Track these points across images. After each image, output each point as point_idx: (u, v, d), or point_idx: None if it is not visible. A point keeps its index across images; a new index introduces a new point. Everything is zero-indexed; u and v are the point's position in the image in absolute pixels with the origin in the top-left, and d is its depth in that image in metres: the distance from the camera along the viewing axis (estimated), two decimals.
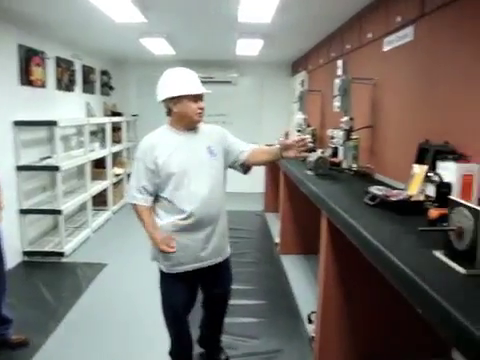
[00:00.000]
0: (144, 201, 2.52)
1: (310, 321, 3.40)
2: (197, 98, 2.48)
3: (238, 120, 8.57)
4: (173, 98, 2.46)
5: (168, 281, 2.63)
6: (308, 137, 2.60)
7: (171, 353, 2.85)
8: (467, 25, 2.50)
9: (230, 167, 2.75)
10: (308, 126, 5.85)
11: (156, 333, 3.19)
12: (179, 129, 2.54)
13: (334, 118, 4.49)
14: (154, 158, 2.46)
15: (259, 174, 7.22)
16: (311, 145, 2.61)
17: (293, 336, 3.35)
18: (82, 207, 6.29)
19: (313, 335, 3.12)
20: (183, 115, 2.49)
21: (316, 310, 3.05)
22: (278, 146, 2.60)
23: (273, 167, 6.23)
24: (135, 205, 2.55)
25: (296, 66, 8.01)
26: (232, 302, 3.80)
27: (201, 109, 2.51)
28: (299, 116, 5.87)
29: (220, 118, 8.40)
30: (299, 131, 5.83)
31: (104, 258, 4.96)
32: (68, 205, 5.22)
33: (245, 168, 2.76)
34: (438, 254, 1.70)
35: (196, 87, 2.48)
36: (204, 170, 2.52)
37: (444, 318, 1.27)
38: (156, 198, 2.56)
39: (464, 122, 2.51)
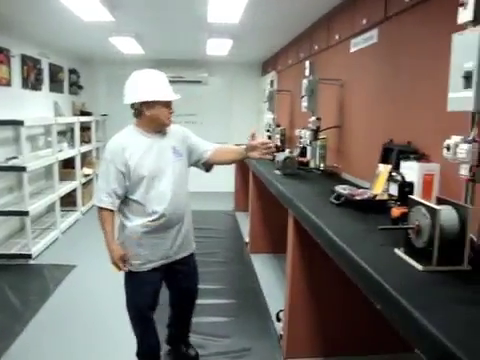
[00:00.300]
0: (111, 205, 2.50)
1: (278, 319, 3.43)
2: (168, 103, 2.51)
3: (208, 120, 8.57)
4: (147, 102, 2.45)
5: (134, 280, 2.62)
6: (272, 142, 2.70)
7: (138, 354, 2.82)
8: (426, 29, 2.57)
9: (193, 165, 2.78)
10: (277, 126, 5.89)
11: (124, 335, 3.16)
12: (148, 131, 2.54)
13: (303, 118, 4.53)
14: (125, 160, 2.45)
15: (229, 174, 7.25)
16: (274, 149, 2.68)
17: (262, 334, 3.37)
18: (50, 208, 6.20)
19: (281, 333, 3.15)
20: (155, 119, 2.50)
21: (284, 308, 3.08)
22: (244, 146, 2.66)
23: (243, 167, 6.26)
24: (101, 209, 2.52)
25: (266, 66, 8.06)
26: (201, 301, 3.81)
27: (171, 114, 2.54)
28: (268, 116, 5.91)
29: (190, 118, 8.38)
30: (268, 131, 5.88)
31: (73, 259, 4.89)
32: (35, 206, 5.13)
33: (207, 166, 2.80)
34: (398, 252, 1.74)
35: (169, 93, 2.51)
36: (171, 170, 2.55)
37: (400, 313, 1.31)
38: (123, 201, 2.55)
39: (425, 123, 2.57)
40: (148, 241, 2.54)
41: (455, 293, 1.39)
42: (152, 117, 2.49)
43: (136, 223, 2.52)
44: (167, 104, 2.50)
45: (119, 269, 2.57)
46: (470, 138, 1.60)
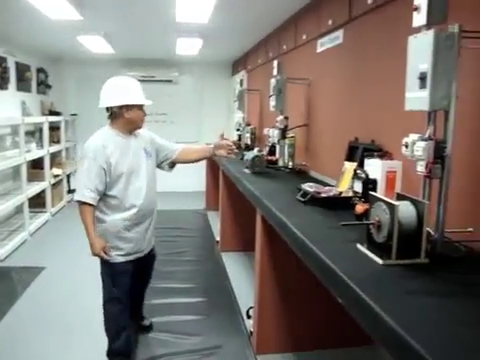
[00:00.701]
0: (92, 200, 2.65)
1: (249, 316, 3.47)
2: (141, 107, 2.78)
3: (179, 119, 8.56)
4: (127, 105, 2.69)
5: (112, 271, 2.79)
6: (233, 147, 3.04)
7: (109, 353, 2.89)
8: (387, 31, 2.64)
9: (158, 167, 3.04)
10: (248, 125, 5.94)
11: (93, 336, 3.17)
12: (123, 132, 2.76)
13: (272, 117, 4.58)
14: (106, 158, 2.65)
15: (200, 173, 7.27)
16: (236, 151, 3.03)
17: (233, 332, 3.40)
18: (18, 209, 6.09)
19: (252, 329, 3.19)
20: (132, 121, 2.75)
21: (254, 305, 3.12)
22: (212, 145, 2.98)
23: (213, 166, 6.29)
24: (83, 204, 2.65)
25: (236, 66, 8.10)
26: (172, 300, 3.87)
27: (144, 116, 2.82)
28: (238, 115, 5.94)
29: (161, 117, 8.37)
30: (238, 130, 5.91)
31: (42, 261, 4.82)
32: (2, 208, 5.06)
33: (171, 165, 3.08)
34: (360, 247, 1.80)
35: (143, 98, 2.77)
36: (144, 168, 2.81)
37: (359, 306, 1.36)
38: (102, 197, 2.72)
39: (387, 121, 2.64)
40: (126, 234, 2.77)
41: (412, 285, 1.45)
42: (131, 119, 2.73)
43: (115, 217, 2.73)
44: (141, 107, 2.77)
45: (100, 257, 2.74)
46: (426, 136, 1.66)
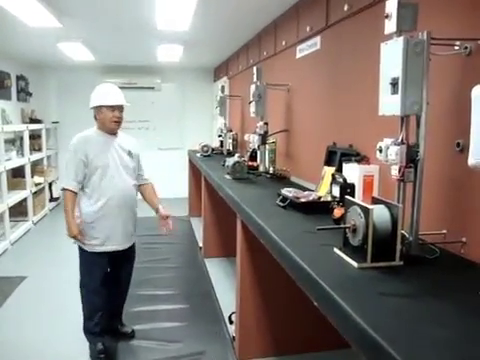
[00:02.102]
0: (74, 188, 2.96)
1: (231, 322, 3.47)
2: (114, 109, 2.97)
3: (161, 126, 8.56)
4: (96, 107, 2.99)
5: (87, 261, 3.05)
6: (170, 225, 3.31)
7: (84, 330, 3.14)
8: (362, 38, 2.69)
9: None
10: (229, 131, 5.96)
11: (77, 346, 3.15)
12: (104, 132, 3.04)
13: (253, 123, 4.60)
14: (85, 151, 2.94)
15: (183, 179, 7.27)
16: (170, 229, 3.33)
17: (215, 337, 3.40)
18: None
19: (234, 335, 3.20)
20: (103, 121, 3.01)
21: (235, 311, 3.13)
22: (160, 207, 3.29)
23: (195, 172, 6.30)
24: (67, 190, 2.96)
25: (218, 72, 8.13)
26: (154, 308, 3.86)
27: (118, 118, 3.01)
28: (220, 121, 5.96)
29: (143, 124, 8.36)
30: (220, 136, 5.93)
31: (23, 271, 4.77)
32: None
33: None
34: (337, 251, 1.82)
35: (114, 99, 2.98)
36: (123, 167, 3.05)
37: (334, 309, 1.38)
38: (81, 188, 3.01)
39: (364, 126, 2.68)
40: (101, 224, 2.99)
41: (386, 287, 1.48)
42: (101, 120, 3.01)
43: (89, 208, 2.99)
44: (112, 109, 2.97)
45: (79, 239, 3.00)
46: (399, 140, 1.69)
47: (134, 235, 3.25)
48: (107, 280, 3.15)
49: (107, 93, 3.00)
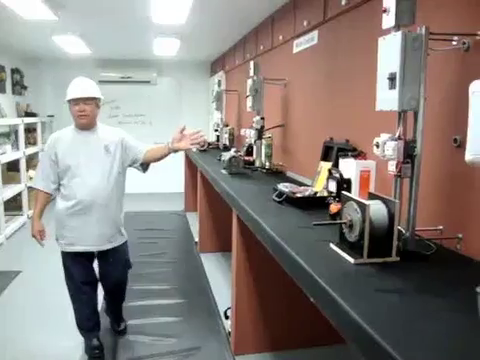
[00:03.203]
0: (44, 187, 2.94)
1: (226, 317, 3.47)
2: (78, 102, 2.84)
3: (157, 120, 8.52)
4: (67, 102, 2.89)
5: (65, 260, 3.02)
6: (201, 131, 3.09)
7: (77, 324, 3.10)
8: (360, 32, 2.67)
9: (131, 166, 3.10)
10: (226, 125, 5.94)
11: (72, 340, 3.14)
12: (78, 127, 2.95)
13: (249, 118, 4.59)
14: (55, 150, 2.89)
15: (179, 174, 7.25)
16: (203, 139, 3.16)
17: (211, 333, 3.39)
18: None
19: (230, 330, 3.20)
20: (72, 116, 2.92)
21: (231, 306, 3.13)
22: (167, 145, 3.03)
23: (191, 166, 6.29)
24: (36, 189, 2.97)
25: (214, 66, 8.10)
26: (150, 302, 3.85)
27: (81, 111, 2.84)
28: (216, 116, 5.95)
29: (139, 118, 8.33)
30: (216, 130, 5.92)
31: (18, 265, 4.76)
32: None
33: (144, 167, 3.14)
34: (333, 246, 1.81)
35: (73, 92, 2.85)
36: (97, 164, 2.91)
37: (330, 305, 1.37)
38: (57, 187, 2.97)
39: (361, 121, 2.67)
40: (70, 224, 2.92)
41: (382, 283, 1.47)
42: (71, 115, 2.91)
43: (61, 207, 2.94)
44: (76, 103, 2.84)
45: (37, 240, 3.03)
46: (396, 136, 1.69)
47: (117, 236, 3.07)
48: (102, 280, 3.18)
49: (71, 87, 2.87)
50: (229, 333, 3.23)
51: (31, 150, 7.06)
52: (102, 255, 3.06)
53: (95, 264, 3.14)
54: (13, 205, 6.40)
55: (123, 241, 3.12)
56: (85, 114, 2.85)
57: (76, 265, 2.99)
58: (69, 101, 2.86)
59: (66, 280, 3.05)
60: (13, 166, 6.52)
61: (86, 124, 2.91)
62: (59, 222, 2.98)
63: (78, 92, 2.83)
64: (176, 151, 3.05)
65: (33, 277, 4.50)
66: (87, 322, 3.07)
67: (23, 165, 6.58)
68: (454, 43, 1.78)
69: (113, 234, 3.03)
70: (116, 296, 3.34)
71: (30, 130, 7.29)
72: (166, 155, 3.08)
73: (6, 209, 5.84)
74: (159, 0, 3.79)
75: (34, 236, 3.00)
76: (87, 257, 3.02)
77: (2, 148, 5.98)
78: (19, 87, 7.55)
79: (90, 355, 3.03)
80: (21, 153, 6.51)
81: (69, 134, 2.96)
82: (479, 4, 1.73)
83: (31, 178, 6.87)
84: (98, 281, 3.14)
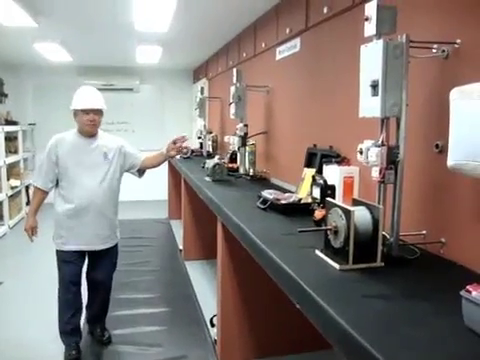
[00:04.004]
0: (42, 185, 3.09)
1: (212, 325, 3.46)
2: (89, 112, 3.02)
3: (140, 128, 8.48)
4: (74, 111, 3.06)
5: (59, 258, 3.12)
6: (186, 134, 3.27)
7: (59, 328, 3.15)
8: (342, 40, 2.70)
9: (127, 171, 3.31)
10: (209, 132, 5.94)
11: (52, 350, 3.09)
12: (81, 134, 3.11)
13: (233, 125, 4.60)
14: (56, 152, 3.05)
15: (162, 181, 7.22)
16: (188, 144, 3.34)
17: (197, 341, 3.38)
18: None
19: (216, 338, 3.18)
20: (79, 124, 3.09)
21: (217, 313, 3.12)
22: (164, 149, 3.26)
23: (175, 175, 6.28)
24: (35, 187, 3.13)
25: (197, 73, 8.11)
26: (134, 312, 3.82)
27: (91, 121, 3.04)
28: (200, 123, 5.95)
29: (122, 126, 8.28)
30: (199, 138, 5.91)
31: None
32: None
33: (140, 173, 3.37)
34: (318, 253, 1.82)
35: (88, 103, 3.02)
36: (96, 169, 3.09)
37: (316, 311, 1.38)
38: (56, 188, 3.12)
39: (344, 128, 2.69)
40: (67, 224, 3.06)
41: (367, 289, 1.48)
42: (78, 123, 3.09)
43: (59, 207, 3.08)
44: (87, 112, 3.02)
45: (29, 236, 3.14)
46: (379, 142, 1.71)
47: (111, 238, 3.22)
48: (89, 283, 3.32)
49: (83, 97, 3.06)
50: (215, 341, 3.21)
51: (12, 159, 6.96)
52: (94, 254, 3.18)
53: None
54: None
55: (115, 242, 3.27)
56: (94, 124, 3.07)
57: (68, 265, 3.09)
58: (76, 110, 3.03)
59: (58, 278, 3.14)
60: None
61: (92, 132, 3.11)
62: (57, 223, 3.11)
63: (92, 103, 3.04)
64: (172, 157, 3.40)
65: (14, 288, 4.41)
66: (65, 325, 3.12)
67: (4, 174, 6.49)
68: (434, 51, 1.81)
69: (108, 235, 3.19)
70: (102, 297, 3.35)
71: (11, 138, 7.20)
72: (162, 162, 3.36)
73: None
74: (142, 7, 3.79)
75: (26, 230, 3.12)
76: (79, 258, 3.13)
77: None
78: None
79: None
80: (1, 162, 6.42)
81: (71, 138, 3.12)
82: (458, 13, 1.77)
83: (12, 187, 6.81)
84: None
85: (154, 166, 3.38)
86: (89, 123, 3.04)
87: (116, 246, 3.29)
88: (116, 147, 3.19)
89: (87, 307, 3.40)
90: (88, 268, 3.27)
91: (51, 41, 5.43)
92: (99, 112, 3.08)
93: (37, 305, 3.93)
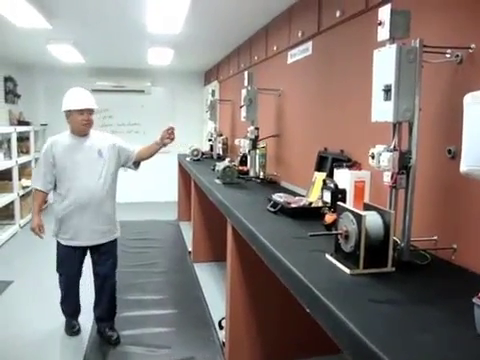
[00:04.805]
0: (42, 186, 3.23)
1: (221, 327, 3.46)
2: (83, 112, 3.16)
3: (151, 129, 8.41)
4: (66, 111, 3.18)
5: (59, 252, 3.31)
6: (173, 126, 3.39)
7: (61, 302, 3.50)
8: (355, 44, 2.70)
9: (124, 166, 3.45)
10: (220, 135, 5.95)
11: (63, 350, 3.10)
12: (74, 134, 3.24)
13: (243, 127, 4.60)
14: (53, 153, 3.18)
15: (172, 183, 7.24)
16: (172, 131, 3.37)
17: (205, 343, 3.38)
18: None
19: (224, 340, 3.18)
20: (73, 124, 3.21)
21: (225, 316, 3.12)
22: (158, 138, 3.39)
23: (185, 176, 6.29)
24: (35, 189, 3.26)
25: (209, 76, 8.13)
26: (143, 313, 3.83)
27: (86, 120, 3.18)
28: (210, 125, 5.96)
29: (132, 127, 8.32)
30: (210, 140, 5.92)
31: (9, 275, 4.69)
32: None
33: (136, 165, 3.49)
34: (329, 257, 1.82)
35: (82, 103, 3.15)
36: (92, 167, 3.21)
37: (326, 315, 1.37)
38: (55, 187, 3.25)
39: (356, 132, 2.69)
40: (68, 221, 3.20)
41: (378, 294, 1.47)
42: (71, 123, 3.21)
43: (59, 206, 3.22)
44: (81, 113, 3.14)
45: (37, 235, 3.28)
46: (391, 147, 1.70)
47: (112, 232, 3.36)
48: (95, 280, 3.43)
49: (76, 97, 3.18)
50: (223, 343, 3.21)
51: (24, 159, 7.03)
52: (95, 249, 3.32)
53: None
54: (5, 214, 6.37)
55: (116, 236, 3.41)
56: (89, 123, 3.21)
57: (70, 259, 3.28)
58: (70, 110, 3.15)
59: (58, 269, 3.36)
60: (5, 175, 6.47)
61: (86, 131, 3.23)
62: (57, 220, 3.25)
63: (86, 103, 3.17)
64: (165, 145, 3.40)
65: (25, 287, 4.44)
66: (67, 307, 3.49)
67: (16, 174, 6.55)
68: (447, 56, 1.80)
69: (108, 229, 3.33)
70: (108, 293, 3.43)
71: (23, 139, 7.26)
72: (157, 150, 3.45)
73: None
74: (154, 10, 3.80)
75: (33, 229, 3.25)
76: (80, 252, 3.30)
77: None
78: (12, 95, 7.53)
79: (69, 333, 3.45)
80: (14, 162, 6.48)
81: (66, 139, 3.25)
82: (473, 18, 1.76)
83: (24, 187, 6.87)
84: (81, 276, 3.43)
85: (148, 156, 3.48)
86: (84, 122, 3.17)
87: (116, 240, 3.42)
88: (109, 144, 3.31)
89: (95, 306, 3.47)
90: (92, 261, 3.39)
91: (64, 42, 5.47)
92: (92, 111, 3.23)
93: (46, 304, 3.95)
